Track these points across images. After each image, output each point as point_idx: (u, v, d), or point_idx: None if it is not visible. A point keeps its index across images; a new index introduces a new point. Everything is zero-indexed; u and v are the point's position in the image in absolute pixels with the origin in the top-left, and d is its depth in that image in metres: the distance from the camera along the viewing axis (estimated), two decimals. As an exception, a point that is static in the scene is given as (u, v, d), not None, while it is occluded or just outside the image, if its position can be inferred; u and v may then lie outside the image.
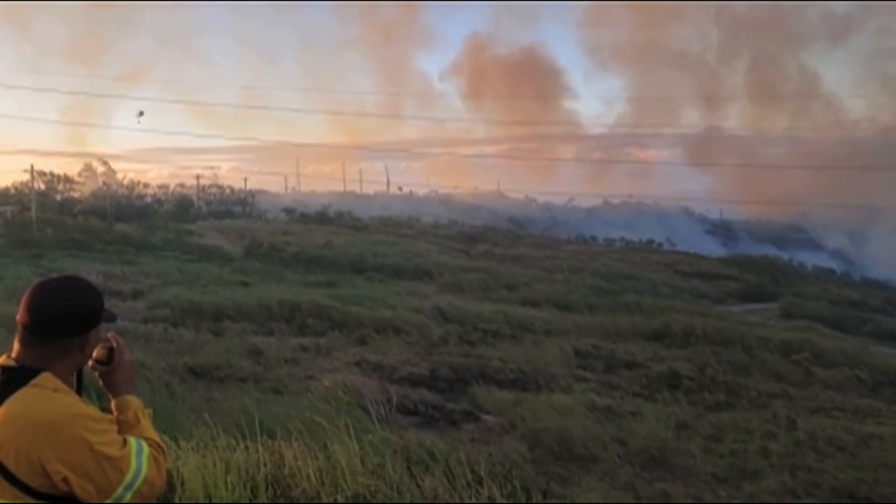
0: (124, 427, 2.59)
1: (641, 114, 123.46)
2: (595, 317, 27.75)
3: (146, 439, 2.56)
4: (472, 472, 4.83)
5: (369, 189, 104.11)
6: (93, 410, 2.49)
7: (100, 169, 76.57)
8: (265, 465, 5.31)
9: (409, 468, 5.01)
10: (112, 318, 2.85)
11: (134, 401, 2.71)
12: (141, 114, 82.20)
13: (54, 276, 2.72)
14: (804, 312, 37.95)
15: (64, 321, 2.49)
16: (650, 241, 72.93)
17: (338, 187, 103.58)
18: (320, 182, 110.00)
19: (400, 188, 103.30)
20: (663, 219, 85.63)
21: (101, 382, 2.77)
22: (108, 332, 2.82)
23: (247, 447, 5.78)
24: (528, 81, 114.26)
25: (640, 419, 13.78)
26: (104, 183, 72.83)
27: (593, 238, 75.04)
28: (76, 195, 69.39)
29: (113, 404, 2.69)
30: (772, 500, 10.90)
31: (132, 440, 2.50)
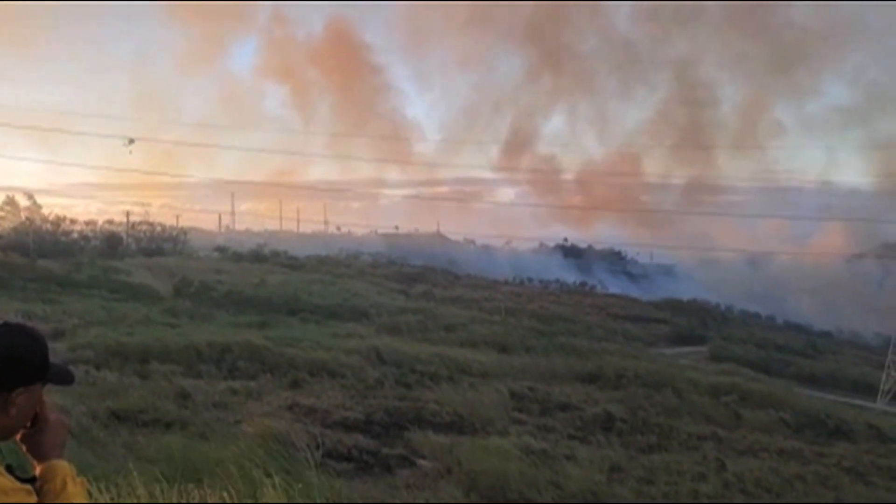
0: (49, 496, 2.29)
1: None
2: (531, 358, 27.93)
3: None
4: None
5: (307, 228, 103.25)
6: (3, 481, 2.16)
7: (23, 203, 73.66)
8: (188, 516, 5.08)
9: (339, 518, 4.87)
10: (63, 380, 2.45)
11: (62, 466, 2.38)
12: (131, 142, 77.21)
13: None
14: (731, 355, 39.10)
15: None
16: (584, 284, 74.25)
17: (274, 226, 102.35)
18: (256, 220, 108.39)
19: (339, 228, 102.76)
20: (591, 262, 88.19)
21: (23, 447, 2.40)
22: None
23: (169, 497, 5.53)
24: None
25: (574, 462, 13.83)
26: (27, 218, 70.06)
27: (529, 280, 75.90)
28: (-5, 230, 66.54)
29: (38, 470, 2.36)
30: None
31: None
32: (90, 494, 5.22)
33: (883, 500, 13.89)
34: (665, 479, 13.74)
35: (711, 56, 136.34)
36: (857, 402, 33.89)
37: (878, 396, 37.10)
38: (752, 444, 17.38)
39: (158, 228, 75.96)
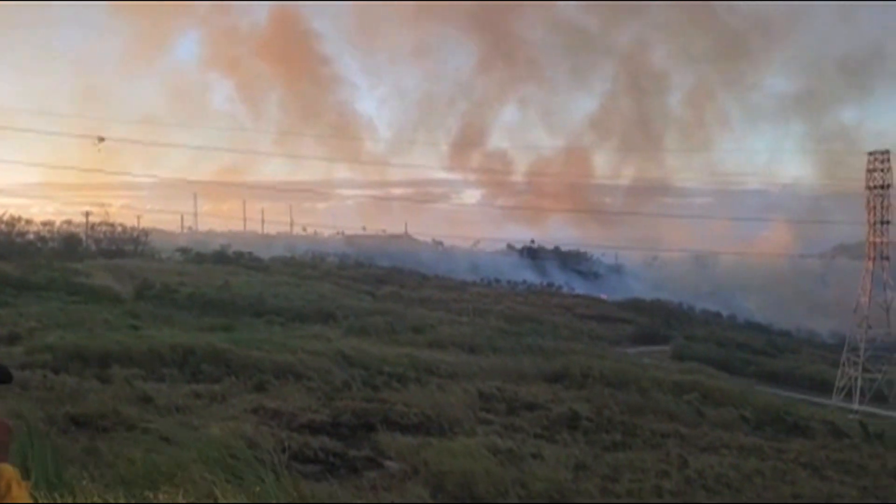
0: None
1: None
2: (499, 359, 28.07)
3: None
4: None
5: (271, 229, 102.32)
6: None
7: (-24, 204, 71.47)
8: (149, 522, 5.00)
9: (303, 520, 4.83)
10: (0, 380, 2.39)
11: (6, 469, 2.35)
12: (101, 140, 74.39)
13: None
14: (694, 354, 39.76)
15: None
16: (550, 284, 74.83)
17: (238, 227, 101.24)
18: (219, 221, 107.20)
19: (304, 228, 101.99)
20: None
21: None
22: None
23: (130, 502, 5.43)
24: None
25: (540, 461, 13.90)
26: (-23, 219, 68.20)
27: (497, 280, 76.22)
28: (-54, 231, 64.64)
29: None
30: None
31: None
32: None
33: (837, 493, 14.21)
34: (629, 476, 13.89)
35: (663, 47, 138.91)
36: (814, 398, 34.72)
37: (834, 393, 38.04)
38: (714, 441, 17.68)
39: (119, 229, 74.62)
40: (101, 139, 73.32)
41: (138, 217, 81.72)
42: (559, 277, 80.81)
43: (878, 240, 41.12)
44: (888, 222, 40.93)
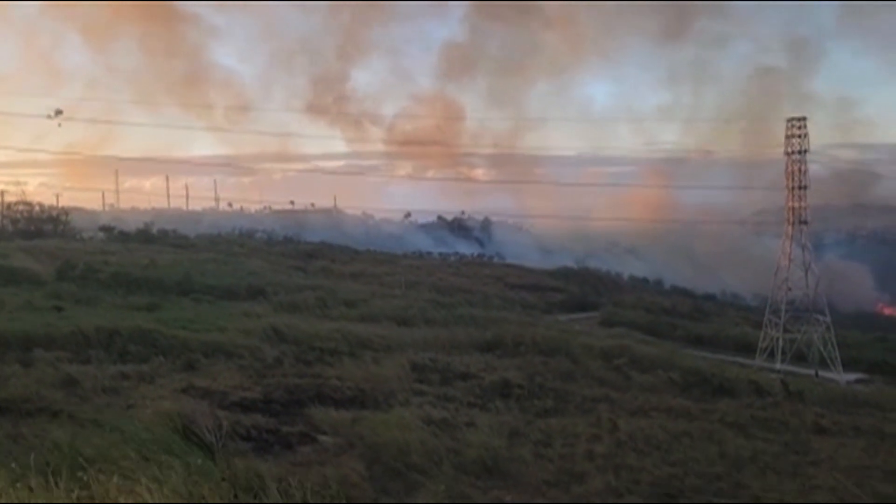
0: None
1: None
2: (432, 330, 28.23)
3: None
4: (304, 495, 4.72)
5: (196, 205, 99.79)
6: None
7: None
8: (75, 506, 4.88)
9: (235, 496, 4.81)
10: None
11: None
12: (59, 112, 69.59)
13: None
14: (622, 320, 40.92)
15: None
16: (481, 255, 75.58)
17: (161, 203, 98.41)
18: (142, 198, 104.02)
19: (230, 204, 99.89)
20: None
21: None
22: None
23: (56, 486, 5.30)
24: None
25: (474, 429, 14.10)
26: None
27: (429, 253, 76.44)
28: None
29: None
30: (598, 500, 11.51)
31: None
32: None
33: (761, 450, 14.90)
34: (561, 441, 14.23)
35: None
36: (739, 360, 36.28)
37: (757, 354, 39.81)
38: (643, 405, 18.24)
39: (37, 208, 71.63)
40: (59, 111, 69.44)
41: (57, 195, 78.64)
42: (489, 249, 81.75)
43: (796, 204, 42.85)
44: (806, 187, 42.67)
